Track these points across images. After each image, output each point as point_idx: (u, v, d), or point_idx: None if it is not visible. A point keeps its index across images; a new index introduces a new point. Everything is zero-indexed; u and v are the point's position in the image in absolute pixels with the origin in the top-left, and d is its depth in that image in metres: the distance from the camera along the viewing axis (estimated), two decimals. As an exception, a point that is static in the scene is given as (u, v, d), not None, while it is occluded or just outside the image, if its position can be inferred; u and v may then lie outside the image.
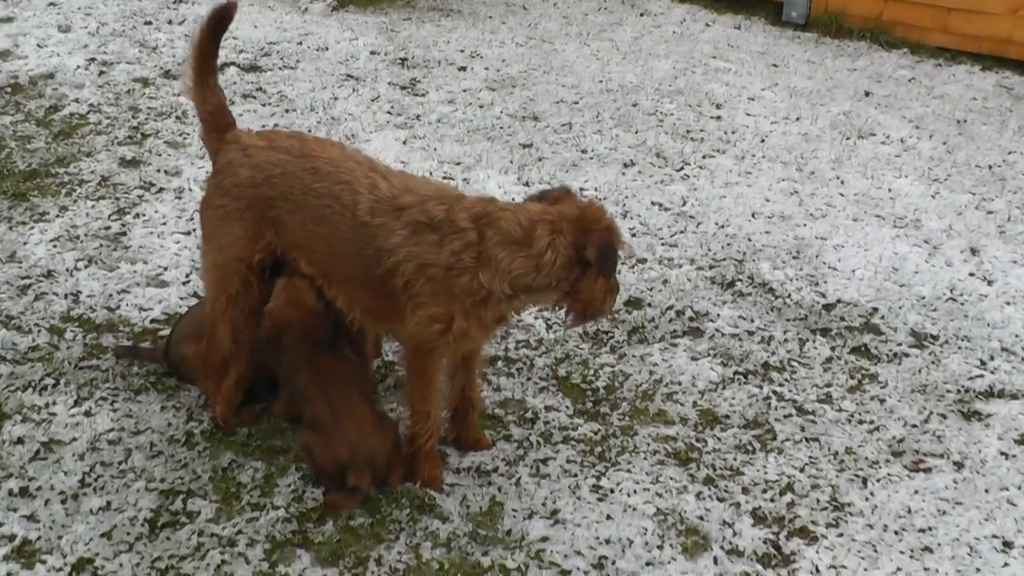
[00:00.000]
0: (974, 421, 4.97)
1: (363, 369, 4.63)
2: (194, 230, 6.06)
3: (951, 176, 7.38)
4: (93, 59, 8.42)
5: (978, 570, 4.11)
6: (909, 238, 6.51)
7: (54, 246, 5.79)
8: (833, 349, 5.42)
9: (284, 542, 4.01)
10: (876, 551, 4.17)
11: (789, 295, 5.83)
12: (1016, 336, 5.62)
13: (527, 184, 6.80)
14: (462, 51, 9.24)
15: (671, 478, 4.46)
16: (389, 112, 7.87)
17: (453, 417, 4.45)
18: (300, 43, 9.15)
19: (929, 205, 6.94)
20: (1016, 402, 5.12)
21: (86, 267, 5.63)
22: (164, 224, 6.12)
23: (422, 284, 3.90)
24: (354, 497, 4.09)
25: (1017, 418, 4.99)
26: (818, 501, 4.40)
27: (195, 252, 5.81)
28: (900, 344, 5.50)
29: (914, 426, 4.90)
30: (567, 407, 4.84)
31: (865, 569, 4.08)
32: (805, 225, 6.58)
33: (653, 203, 6.72)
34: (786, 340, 5.45)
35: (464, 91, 8.37)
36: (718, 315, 5.60)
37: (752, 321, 5.58)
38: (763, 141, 7.77)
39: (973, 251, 6.40)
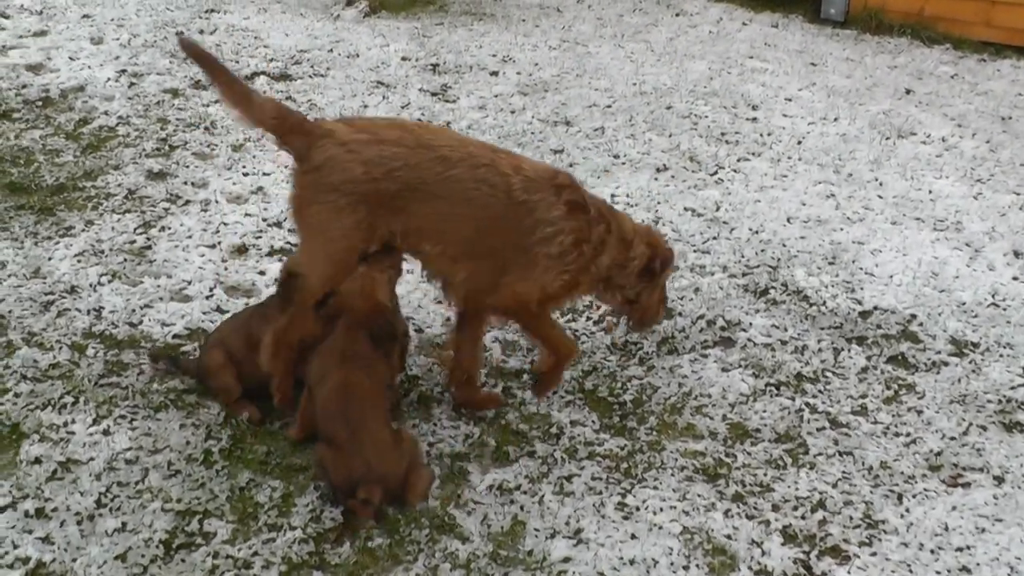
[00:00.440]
0: (1016, 433, 4.81)
1: (389, 381, 4.54)
2: (219, 243, 6.00)
3: (994, 176, 7.19)
4: (124, 71, 8.40)
5: (1018, 590, 3.96)
6: (949, 241, 6.34)
7: (78, 261, 5.75)
8: (869, 359, 5.27)
9: (301, 564, 3.93)
10: (911, 571, 4.03)
11: (824, 302, 5.69)
12: (1061, 343, 5.45)
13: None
14: (494, 55, 9.15)
15: (699, 495, 4.34)
16: (419, 119, 7.77)
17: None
18: (331, 50, 9.09)
19: (971, 206, 6.77)
20: (1060, 412, 4.94)
21: (109, 282, 5.58)
22: (189, 237, 6.06)
23: (575, 256, 4.41)
24: (366, 508, 3.99)
25: (1060, 429, 4.81)
26: (851, 518, 4.26)
27: (219, 265, 5.76)
28: (939, 352, 5.34)
29: (952, 439, 4.75)
30: (593, 421, 4.73)
31: (900, 590, 3.94)
32: (842, 229, 6.43)
33: (686, 209, 6.59)
34: (820, 350, 5.30)
35: (495, 96, 8.27)
36: (750, 324, 5.47)
37: (785, 330, 5.44)
38: (800, 143, 7.62)
39: (1017, 254, 6.23)
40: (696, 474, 4.46)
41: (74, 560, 3.90)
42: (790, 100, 8.40)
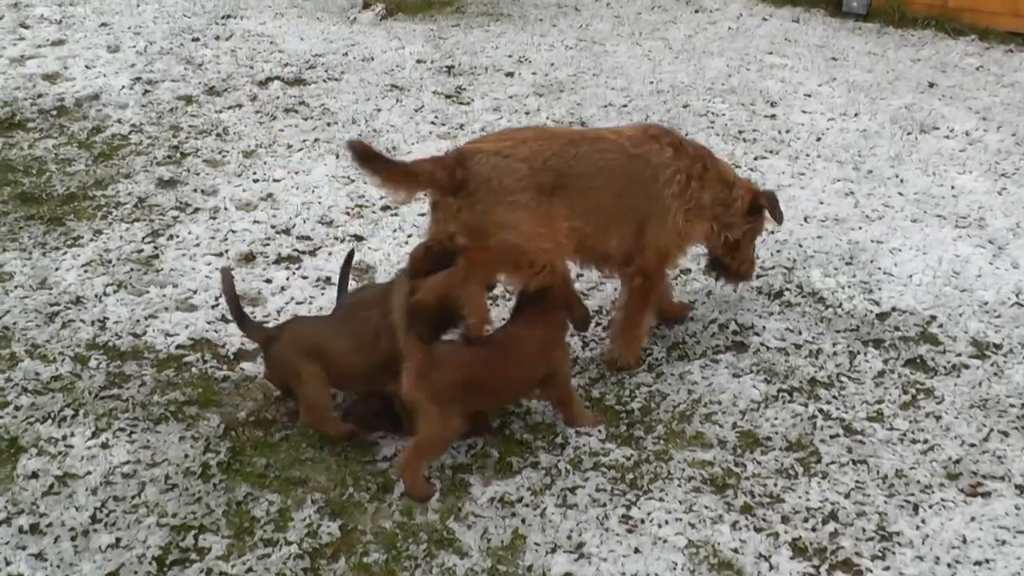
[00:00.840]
0: (1037, 438, 4.67)
1: None
2: (226, 251, 5.95)
3: (1020, 170, 7.04)
4: (139, 78, 8.37)
5: (1038, 604, 3.82)
6: (972, 239, 6.20)
7: (85, 271, 5.70)
8: (886, 362, 5.13)
9: (296, 581, 3.85)
10: (925, 584, 3.89)
11: (840, 304, 5.56)
12: (1086, 343, 5.29)
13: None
14: (510, 56, 9.06)
15: (706, 506, 4.22)
16: (432, 122, 7.70)
17: None
18: (346, 54, 9.03)
19: (995, 202, 6.61)
20: (1083, 416, 4.79)
21: (115, 292, 5.54)
22: (197, 245, 6.01)
23: (691, 191, 4.86)
24: None
25: (1084, 434, 4.66)
26: (863, 530, 4.14)
27: (225, 274, 5.68)
28: (959, 355, 5.20)
29: (972, 445, 4.61)
30: (599, 431, 4.63)
31: (913, 604, 3.81)
32: (860, 228, 6.29)
33: (700, 209, 6.45)
34: (835, 353, 5.18)
35: (510, 98, 8.18)
36: (764, 328, 5.35)
37: (800, 334, 5.32)
38: (819, 139, 7.48)
39: (1041, 251, 6.06)
40: (704, 484, 4.35)
41: (67, 577, 3.84)
42: (809, 96, 8.26)
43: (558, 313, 4.58)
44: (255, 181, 6.78)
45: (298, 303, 5.54)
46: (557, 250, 4.52)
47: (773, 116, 7.90)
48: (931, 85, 8.48)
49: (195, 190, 6.64)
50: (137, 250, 5.95)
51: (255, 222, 6.26)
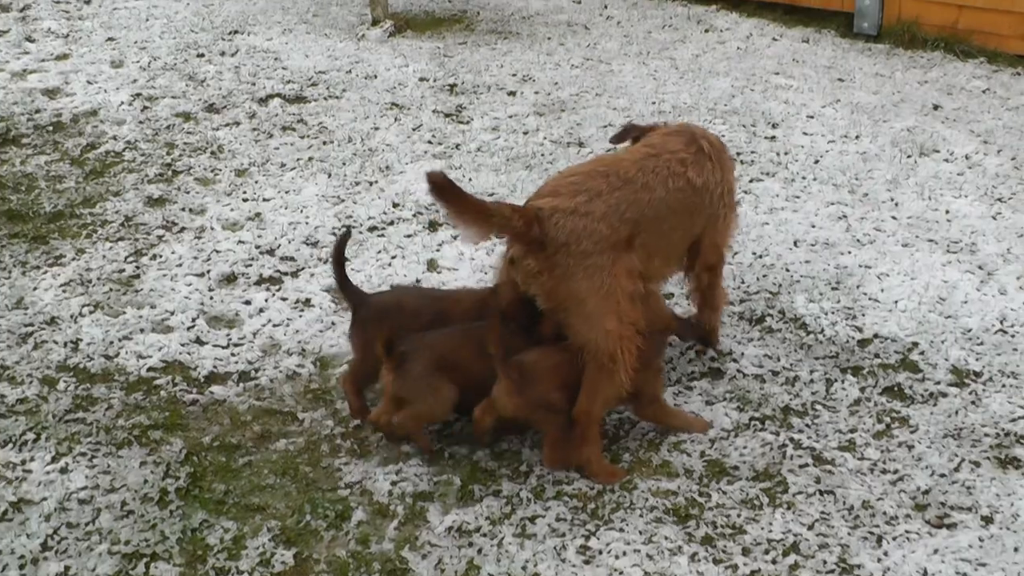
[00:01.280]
0: (1011, 469, 4.58)
1: None
2: (208, 271, 5.94)
3: (1016, 194, 6.92)
4: (139, 94, 8.41)
5: (996, 642, 3.74)
6: (962, 264, 6.10)
7: (63, 291, 5.71)
8: (863, 390, 5.05)
9: (244, 610, 3.81)
10: (881, 621, 3.82)
11: (822, 330, 5.48)
12: (1069, 372, 5.19)
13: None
14: (514, 75, 9.03)
15: (666, 537, 4.16)
16: (429, 142, 7.68)
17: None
18: (349, 71, 9.03)
19: (988, 227, 6.51)
20: (1060, 448, 4.69)
21: (91, 313, 5.55)
22: (179, 265, 6.01)
23: (732, 187, 5.05)
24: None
25: (1059, 466, 4.57)
26: (824, 563, 4.07)
27: (204, 295, 5.70)
28: (938, 383, 5.11)
29: (942, 475, 4.52)
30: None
31: (868, 641, 3.74)
32: (850, 252, 6.20)
33: (689, 232, 6.39)
34: (812, 381, 5.10)
35: (510, 117, 8.14)
36: (742, 354, 5.28)
37: (778, 360, 5.25)
38: (816, 162, 7.40)
39: (1031, 277, 5.96)
40: (666, 515, 4.29)
41: (15, 604, 3.82)
42: (812, 117, 8.18)
43: (660, 336, 4.70)
44: (244, 200, 6.77)
45: (275, 325, 5.51)
46: (627, 329, 4.44)
47: (773, 138, 7.83)
48: (935, 107, 8.38)
49: (183, 209, 6.64)
50: (118, 270, 5.95)
51: (240, 242, 6.26)
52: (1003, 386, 5.10)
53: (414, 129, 7.92)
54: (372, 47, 9.69)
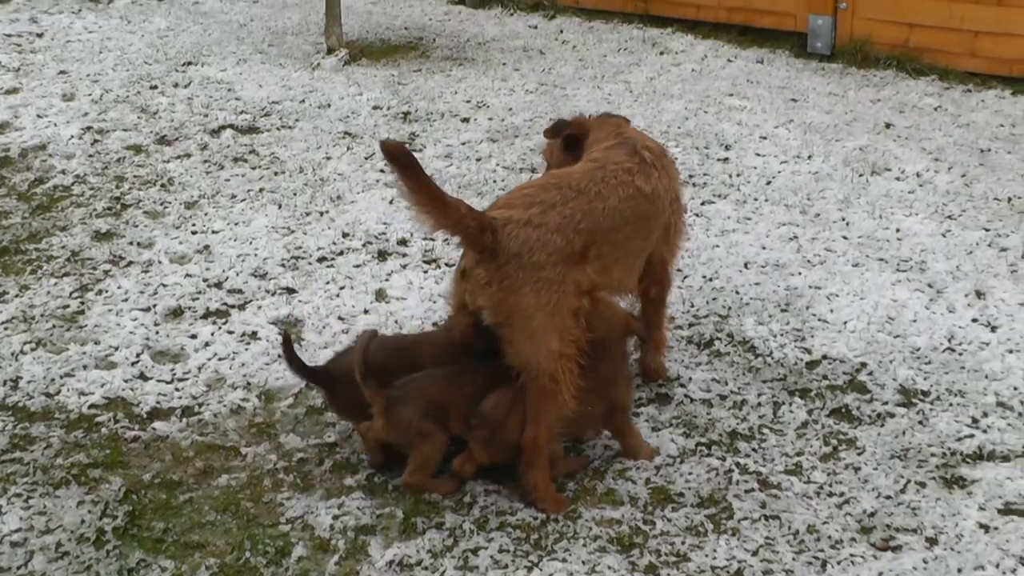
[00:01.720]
0: (956, 489, 4.56)
1: None
2: (154, 306, 5.89)
3: (965, 211, 6.94)
4: (89, 127, 8.36)
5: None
6: (911, 283, 6.10)
7: (4, 328, 5.65)
8: (810, 412, 5.04)
9: (179, 652, 3.75)
10: (824, 647, 3.78)
11: (771, 353, 5.47)
12: (1015, 388, 5.20)
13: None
14: (468, 101, 9.01)
15: (609, 567, 4.12)
16: (381, 171, 7.65)
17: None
18: (303, 101, 8.99)
19: (938, 245, 6.52)
20: (1006, 465, 4.69)
21: (33, 350, 5.48)
22: (125, 300, 5.95)
23: (679, 195, 5.04)
24: None
25: (1003, 484, 4.56)
26: (768, 589, 4.03)
27: (150, 329, 5.65)
28: (886, 403, 5.10)
29: (888, 497, 4.50)
30: (509, 489, 4.52)
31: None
32: (800, 273, 6.20)
33: (639, 256, 6.38)
34: (759, 404, 5.08)
35: (463, 144, 8.12)
36: (690, 379, 5.26)
37: (726, 384, 5.23)
38: (769, 183, 7.40)
39: (979, 294, 5.97)
40: (609, 544, 4.25)
41: (-55, 652, 3.75)
42: (765, 138, 8.19)
43: (620, 344, 4.67)
44: (193, 233, 6.72)
45: (220, 359, 5.46)
46: (569, 348, 4.38)
47: (726, 159, 7.83)
48: (888, 126, 8.41)
49: (131, 243, 6.59)
50: (63, 306, 5.90)
51: (187, 275, 6.21)
52: (950, 405, 5.09)
53: (366, 158, 7.88)
54: (327, 76, 9.66)
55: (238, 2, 12.15)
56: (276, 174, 7.60)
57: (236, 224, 6.84)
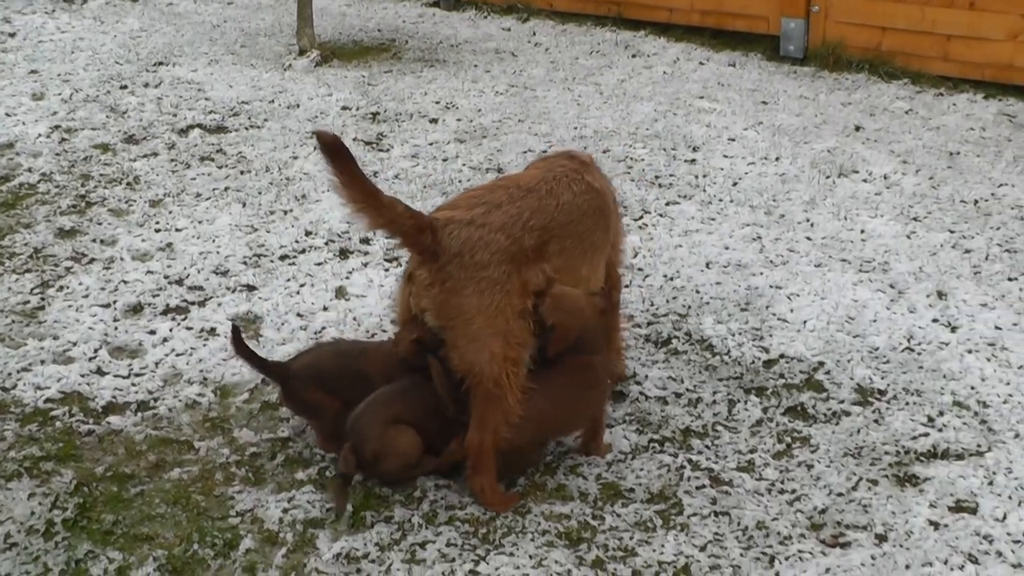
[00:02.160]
0: (907, 487, 4.57)
1: None
2: (114, 302, 5.88)
3: (931, 214, 6.96)
4: (58, 126, 8.33)
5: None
6: (873, 283, 6.12)
7: (-37, 325, 5.61)
8: (765, 410, 5.05)
9: (122, 644, 3.74)
10: (767, 641, 3.78)
11: (728, 351, 5.47)
12: (972, 388, 5.21)
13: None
14: (438, 102, 9.01)
15: (556, 561, 4.12)
16: (348, 169, 7.61)
17: None
18: (272, 101, 8.99)
19: (901, 246, 6.54)
20: (958, 463, 4.70)
21: (-10, 346, 5.44)
22: (86, 296, 5.93)
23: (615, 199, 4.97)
24: None
25: (955, 482, 4.57)
26: (715, 584, 4.03)
27: (108, 325, 5.63)
28: (842, 402, 5.11)
29: (840, 494, 4.51)
30: (459, 484, 4.51)
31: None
32: (761, 273, 6.21)
33: (602, 256, 6.38)
34: (715, 402, 5.09)
35: (430, 144, 8.12)
36: (646, 377, 5.26)
37: (682, 382, 5.23)
38: (735, 184, 7.42)
39: (940, 294, 5.99)
40: (558, 539, 4.25)
41: None
42: (733, 140, 8.21)
43: (597, 331, 4.64)
44: (156, 231, 6.71)
45: (178, 354, 5.45)
46: (514, 351, 4.31)
47: (693, 161, 7.85)
48: (857, 128, 8.44)
49: (94, 240, 6.57)
50: (23, 301, 5.88)
51: (148, 272, 6.19)
52: (906, 404, 5.10)
53: (334, 157, 7.85)
54: (297, 77, 9.65)
55: (212, 3, 12.13)
56: (242, 173, 7.59)
57: (200, 222, 6.83)
